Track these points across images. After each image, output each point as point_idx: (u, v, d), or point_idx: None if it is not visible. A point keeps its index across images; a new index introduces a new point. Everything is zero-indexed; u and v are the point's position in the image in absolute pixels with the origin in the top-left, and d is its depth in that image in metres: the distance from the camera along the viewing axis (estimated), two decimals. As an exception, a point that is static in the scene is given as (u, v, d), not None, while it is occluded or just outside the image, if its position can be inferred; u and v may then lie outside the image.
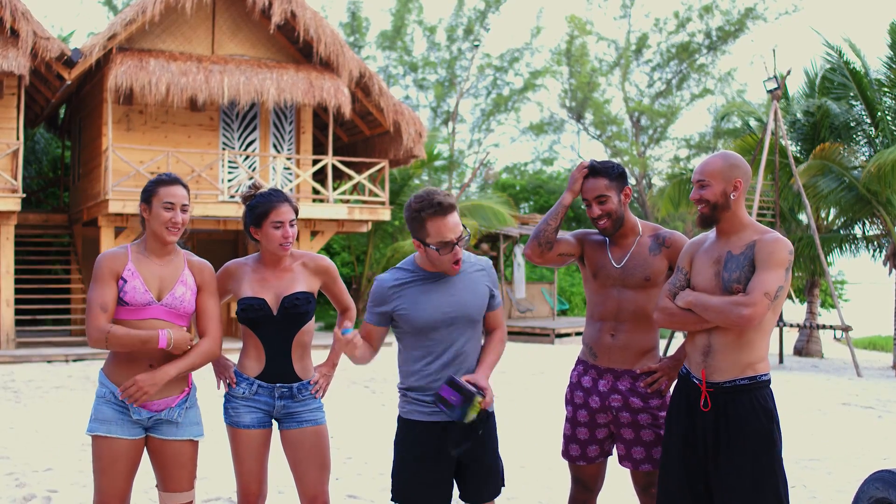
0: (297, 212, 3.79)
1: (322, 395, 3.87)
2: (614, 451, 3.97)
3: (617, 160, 37.45)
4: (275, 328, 3.74)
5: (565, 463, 4.03)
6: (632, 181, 35.47)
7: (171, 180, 3.58)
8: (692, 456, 3.40)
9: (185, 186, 3.62)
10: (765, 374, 3.36)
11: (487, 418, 3.52)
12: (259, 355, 3.77)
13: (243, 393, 3.76)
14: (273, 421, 3.84)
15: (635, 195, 35.28)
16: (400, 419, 3.59)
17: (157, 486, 3.69)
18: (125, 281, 3.48)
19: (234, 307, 3.93)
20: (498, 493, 3.62)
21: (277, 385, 3.75)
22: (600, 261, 3.89)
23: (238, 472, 3.80)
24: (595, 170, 3.81)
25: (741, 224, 3.44)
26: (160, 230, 3.54)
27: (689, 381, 3.46)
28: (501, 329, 3.71)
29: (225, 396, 3.86)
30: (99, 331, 3.40)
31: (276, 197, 3.74)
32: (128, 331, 3.42)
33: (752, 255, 3.33)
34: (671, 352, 9.52)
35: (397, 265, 3.56)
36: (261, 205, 3.72)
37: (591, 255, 3.94)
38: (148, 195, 3.57)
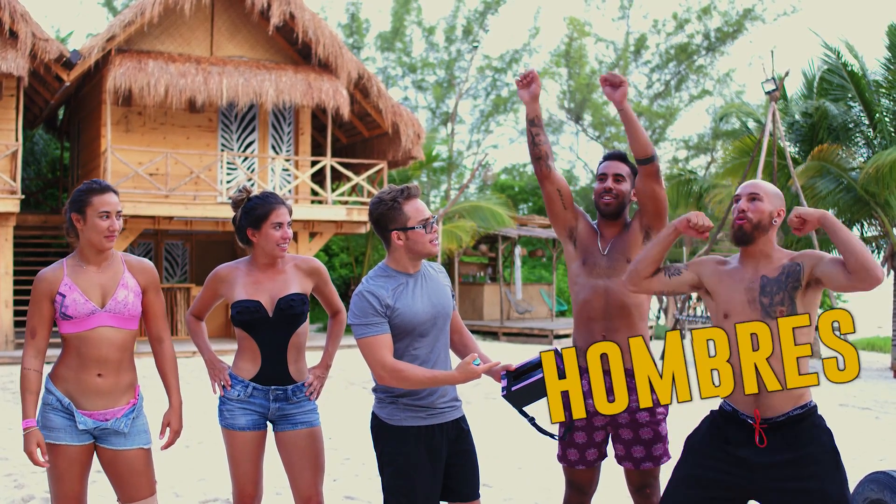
0: (290, 213, 3.84)
1: (316, 397, 3.88)
2: (609, 452, 3.99)
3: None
4: (270, 330, 3.75)
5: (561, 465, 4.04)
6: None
7: (102, 188, 3.53)
8: (723, 490, 3.29)
9: (116, 192, 3.59)
10: (811, 402, 3.29)
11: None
12: (254, 357, 3.78)
13: (238, 395, 3.77)
14: (268, 423, 3.85)
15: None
16: (386, 427, 3.46)
17: (117, 500, 3.64)
18: (63, 296, 3.47)
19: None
20: (479, 492, 3.60)
21: (272, 387, 3.77)
22: (590, 245, 3.97)
23: (234, 474, 3.81)
24: (622, 155, 4.01)
25: (772, 248, 3.38)
26: (98, 239, 3.51)
27: (735, 417, 3.32)
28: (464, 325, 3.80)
29: (220, 399, 3.86)
30: (23, 363, 3.51)
31: (273, 199, 3.79)
32: (29, 388, 3.47)
33: (798, 271, 3.26)
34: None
35: (373, 275, 3.47)
36: (259, 206, 3.76)
37: (583, 234, 4.01)
38: (81, 205, 3.50)
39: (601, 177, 3.96)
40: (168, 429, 3.71)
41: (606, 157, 4.03)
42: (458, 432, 3.54)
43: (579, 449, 3.90)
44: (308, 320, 3.90)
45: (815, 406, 3.31)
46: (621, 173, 3.93)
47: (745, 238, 3.36)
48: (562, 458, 3.96)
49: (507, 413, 9.26)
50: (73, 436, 3.50)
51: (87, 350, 3.50)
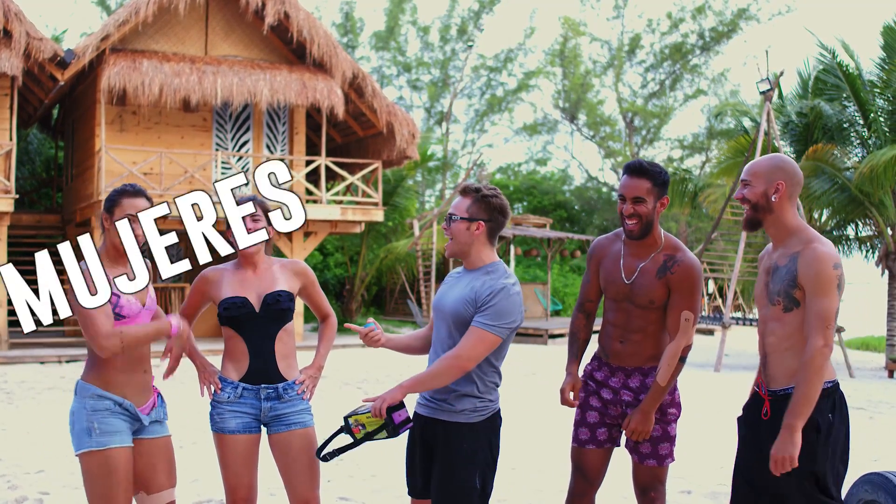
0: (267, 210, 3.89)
1: (309, 398, 3.86)
2: (621, 442, 4.01)
3: (610, 161, 37.46)
4: (258, 326, 3.74)
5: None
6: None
7: (135, 192, 3.56)
8: (750, 466, 3.31)
9: (149, 199, 3.58)
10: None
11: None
12: (242, 357, 3.76)
13: (228, 397, 3.74)
14: (261, 427, 3.81)
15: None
16: None
17: (139, 493, 3.62)
18: (118, 297, 3.47)
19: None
20: None
21: (262, 386, 3.74)
22: (612, 275, 3.87)
23: (225, 479, 3.75)
24: (642, 170, 3.68)
25: (787, 230, 3.30)
26: (119, 241, 3.47)
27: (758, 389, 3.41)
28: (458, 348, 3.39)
29: (211, 403, 3.82)
30: (111, 336, 3.35)
31: (252, 196, 3.89)
32: (138, 327, 3.46)
33: (795, 270, 3.18)
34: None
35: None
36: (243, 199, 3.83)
37: (606, 269, 3.92)
38: (111, 205, 3.55)
39: (621, 197, 3.74)
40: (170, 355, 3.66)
41: (625, 172, 3.76)
42: (434, 435, 3.53)
43: (590, 428, 3.91)
44: (302, 320, 3.89)
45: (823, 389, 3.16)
46: (640, 195, 3.66)
47: (752, 225, 3.39)
48: (574, 438, 3.98)
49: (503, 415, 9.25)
50: (129, 437, 3.54)
51: (133, 349, 3.53)
